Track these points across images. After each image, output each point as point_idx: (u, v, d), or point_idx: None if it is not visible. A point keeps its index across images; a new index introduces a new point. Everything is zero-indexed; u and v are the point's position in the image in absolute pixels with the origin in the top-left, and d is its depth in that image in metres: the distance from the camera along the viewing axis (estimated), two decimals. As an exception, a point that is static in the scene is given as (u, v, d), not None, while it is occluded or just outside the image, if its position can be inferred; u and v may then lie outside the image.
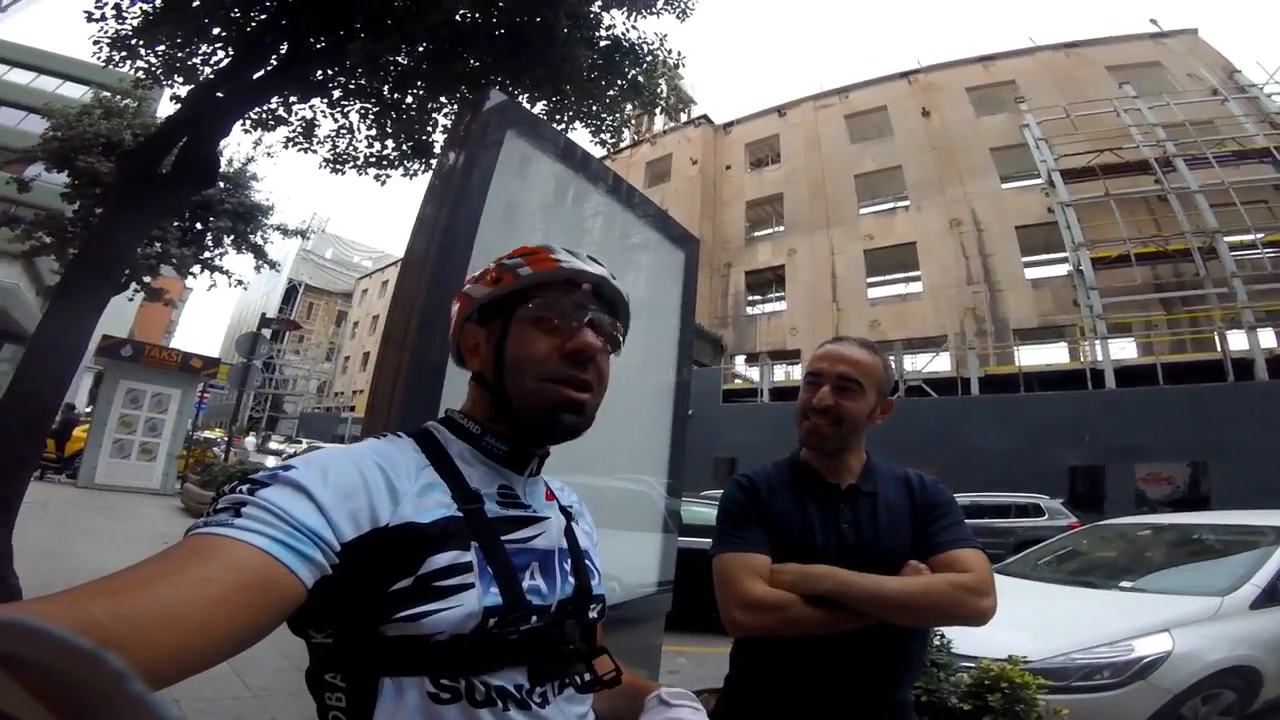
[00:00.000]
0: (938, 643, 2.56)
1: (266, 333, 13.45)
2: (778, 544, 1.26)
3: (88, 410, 15.68)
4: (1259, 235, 16.86)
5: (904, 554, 1.21)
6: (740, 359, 25.45)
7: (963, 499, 11.76)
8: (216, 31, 5.80)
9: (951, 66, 25.54)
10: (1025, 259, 21.32)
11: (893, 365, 1.41)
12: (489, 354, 0.79)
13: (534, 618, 0.70)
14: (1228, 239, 16.74)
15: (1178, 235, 17.34)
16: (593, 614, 0.80)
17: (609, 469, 2.16)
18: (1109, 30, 23.05)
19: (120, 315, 17.74)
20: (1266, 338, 15.54)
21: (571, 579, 0.78)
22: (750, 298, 27.32)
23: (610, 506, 2.22)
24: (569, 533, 0.83)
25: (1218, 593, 3.34)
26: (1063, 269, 20.05)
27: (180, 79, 6.28)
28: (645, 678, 0.89)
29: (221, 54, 6.07)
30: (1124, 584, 3.87)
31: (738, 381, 23.68)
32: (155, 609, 0.46)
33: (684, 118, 27.62)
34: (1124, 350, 17.52)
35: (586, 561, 0.84)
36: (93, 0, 5.37)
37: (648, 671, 2.23)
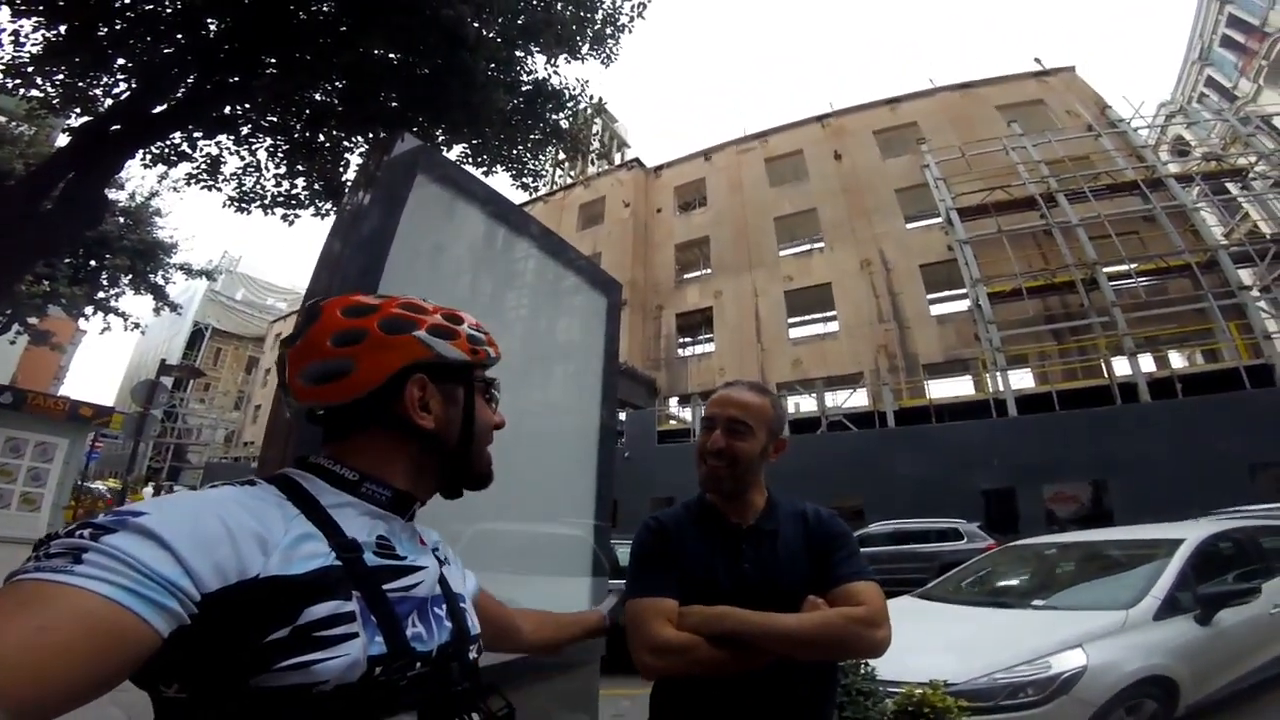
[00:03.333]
0: (863, 670, 2.57)
1: (167, 381, 12.54)
2: (685, 584, 1.28)
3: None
4: (1133, 265, 18.40)
5: (803, 589, 1.24)
6: (674, 400, 25.63)
7: (887, 526, 12.46)
8: (121, 62, 5.54)
9: (861, 110, 27.21)
10: (930, 295, 22.57)
11: (783, 405, 1.47)
12: (457, 420, 0.83)
13: (419, 664, 0.71)
14: (1106, 269, 18.16)
15: (1063, 268, 18.70)
16: (472, 654, 0.82)
17: (537, 513, 2.12)
18: (999, 69, 25.02)
19: (2, 359, 16.17)
20: (1146, 362, 16.91)
21: (448, 622, 0.79)
22: (681, 339, 27.68)
23: (540, 552, 2.16)
24: (442, 579, 0.84)
25: (1122, 606, 3.51)
26: (963, 304, 21.27)
27: (77, 110, 5.95)
28: None
29: (124, 85, 5.80)
30: (1037, 602, 4.04)
31: (672, 422, 23.75)
32: None
33: (618, 159, 28.04)
34: (1023, 380, 18.70)
35: (461, 604, 0.85)
36: None
37: (587, 719, 2.16)
